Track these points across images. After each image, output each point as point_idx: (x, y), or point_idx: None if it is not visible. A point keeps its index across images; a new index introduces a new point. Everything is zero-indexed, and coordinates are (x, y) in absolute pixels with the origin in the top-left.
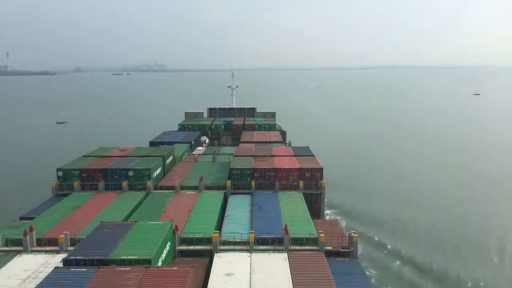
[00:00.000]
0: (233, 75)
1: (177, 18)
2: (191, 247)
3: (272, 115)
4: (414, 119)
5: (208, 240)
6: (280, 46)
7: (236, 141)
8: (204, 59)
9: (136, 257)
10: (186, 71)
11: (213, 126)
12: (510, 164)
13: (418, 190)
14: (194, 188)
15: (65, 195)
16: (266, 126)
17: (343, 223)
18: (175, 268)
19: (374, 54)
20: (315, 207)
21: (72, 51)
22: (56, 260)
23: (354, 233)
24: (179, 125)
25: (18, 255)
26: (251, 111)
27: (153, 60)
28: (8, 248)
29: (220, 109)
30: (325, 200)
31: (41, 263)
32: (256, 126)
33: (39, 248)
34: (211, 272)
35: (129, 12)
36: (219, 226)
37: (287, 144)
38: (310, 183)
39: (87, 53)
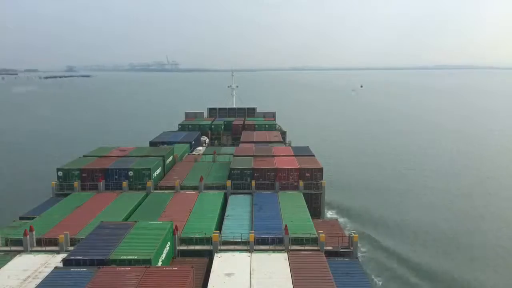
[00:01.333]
0: (233, 75)
1: (193, 17)
2: (191, 247)
3: (272, 115)
4: None
5: (208, 240)
6: (302, 44)
7: (236, 141)
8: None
9: (136, 257)
10: (199, 70)
11: (213, 126)
12: None
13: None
14: (194, 188)
15: (65, 195)
16: (266, 126)
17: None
18: (175, 268)
19: (426, 54)
20: (315, 207)
21: (67, 49)
22: (56, 260)
23: (354, 233)
24: (179, 125)
25: (18, 255)
26: (251, 111)
27: (165, 58)
28: (8, 248)
29: (220, 109)
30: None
31: (41, 263)
32: (256, 126)
33: (39, 248)
34: (211, 272)
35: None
36: (219, 226)
37: (287, 144)
38: (310, 183)
39: (86, 51)
